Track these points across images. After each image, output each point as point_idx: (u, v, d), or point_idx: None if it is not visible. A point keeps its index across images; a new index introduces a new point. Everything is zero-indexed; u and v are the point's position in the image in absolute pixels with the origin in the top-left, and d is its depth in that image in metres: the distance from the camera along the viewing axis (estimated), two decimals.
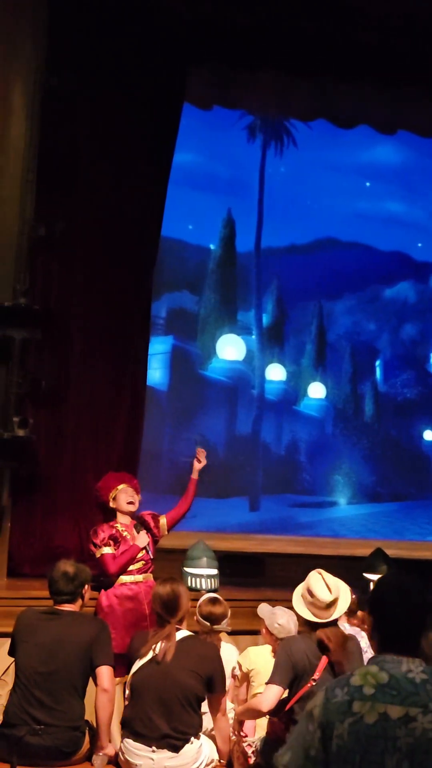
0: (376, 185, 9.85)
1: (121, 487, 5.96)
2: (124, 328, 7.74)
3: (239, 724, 4.56)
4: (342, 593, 4.23)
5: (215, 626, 5.00)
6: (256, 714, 4.27)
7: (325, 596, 4.13)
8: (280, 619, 5.06)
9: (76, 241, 7.45)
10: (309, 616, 4.16)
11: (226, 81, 8.78)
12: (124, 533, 5.85)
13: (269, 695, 4.15)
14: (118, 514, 5.94)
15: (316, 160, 9.54)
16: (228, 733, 4.44)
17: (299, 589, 4.24)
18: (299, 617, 4.24)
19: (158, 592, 4.33)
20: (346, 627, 4.88)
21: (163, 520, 6.06)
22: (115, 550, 5.74)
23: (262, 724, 4.61)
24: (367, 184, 9.92)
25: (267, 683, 4.20)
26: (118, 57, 7.67)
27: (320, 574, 4.24)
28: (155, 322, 8.61)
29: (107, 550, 5.73)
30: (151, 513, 6.11)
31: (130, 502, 5.92)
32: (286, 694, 4.23)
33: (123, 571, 5.69)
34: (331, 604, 4.15)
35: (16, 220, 7.00)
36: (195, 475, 6.30)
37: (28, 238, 7.02)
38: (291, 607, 5.22)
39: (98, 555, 5.72)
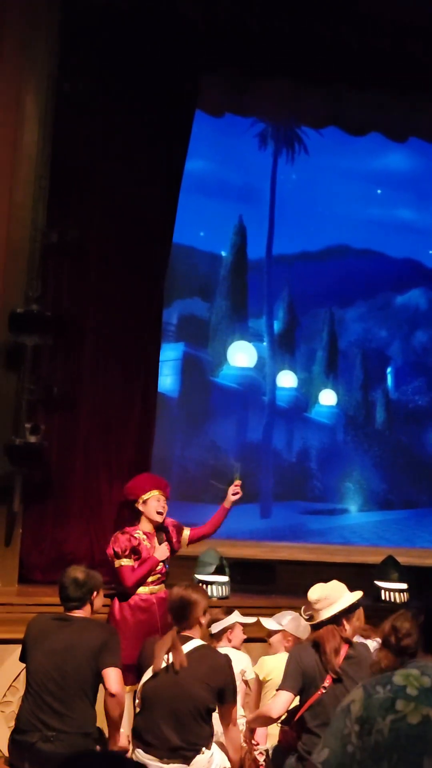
0: (388, 192, 9.83)
1: (155, 493, 5.94)
2: (135, 335, 7.74)
3: (251, 732, 4.55)
4: (339, 597, 4.26)
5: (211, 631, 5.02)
6: (267, 720, 4.28)
7: (311, 595, 4.29)
8: (288, 616, 5.12)
9: (88, 248, 7.46)
10: (304, 616, 4.26)
11: (239, 88, 8.78)
12: (145, 542, 5.83)
13: (279, 701, 4.17)
14: (143, 519, 5.91)
15: (328, 168, 9.54)
16: (239, 742, 4.43)
17: None
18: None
19: (170, 597, 4.32)
20: (357, 638, 4.88)
21: (186, 533, 6.03)
22: (134, 562, 5.71)
23: (274, 732, 4.60)
24: (379, 191, 9.91)
25: (277, 690, 4.22)
26: (130, 63, 7.68)
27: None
28: (166, 328, 8.60)
29: (126, 562, 5.70)
30: (175, 523, 6.08)
31: (160, 512, 5.90)
32: (297, 702, 4.23)
33: (140, 585, 5.68)
34: (316, 604, 4.25)
35: (28, 226, 7.00)
36: (228, 505, 6.23)
37: (41, 245, 7.02)
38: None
39: (117, 566, 5.70)
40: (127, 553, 5.71)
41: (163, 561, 5.82)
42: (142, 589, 5.70)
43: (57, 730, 4.11)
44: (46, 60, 7.14)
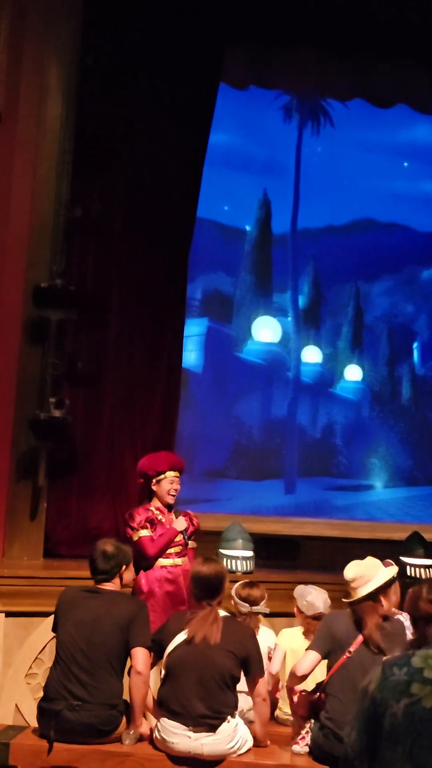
0: (414, 165, 9.72)
1: (170, 474, 5.94)
2: (159, 310, 7.73)
3: (289, 692, 4.58)
4: (375, 574, 4.28)
5: (254, 608, 5.03)
6: (294, 679, 4.34)
7: (347, 574, 4.29)
8: (308, 596, 5.14)
9: (112, 222, 7.44)
10: (345, 597, 4.26)
11: (263, 61, 8.70)
12: (159, 517, 5.84)
13: (306, 660, 4.27)
14: (155, 498, 5.93)
15: (354, 140, 9.44)
16: (267, 717, 4.46)
17: None
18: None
19: (200, 573, 4.33)
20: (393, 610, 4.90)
21: (197, 521, 6.04)
22: (152, 532, 5.74)
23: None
24: (405, 164, 9.80)
25: (306, 649, 4.29)
26: (153, 37, 7.62)
27: (369, 557, 4.37)
28: (190, 303, 8.58)
29: (145, 532, 5.73)
30: (187, 512, 6.08)
31: (172, 494, 5.90)
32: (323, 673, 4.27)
33: (161, 554, 5.70)
34: (353, 583, 4.26)
35: (52, 201, 6.99)
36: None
37: (65, 220, 7.02)
38: (327, 590, 5.29)
39: (136, 538, 5.72)
40: (143, 523, 5.74)
41: (181, 532, 5.83)
42: (166, 561, 5.72)
43: (82, 699, 4.16)
44: (69, 35, 7.10)
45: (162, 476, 5.90)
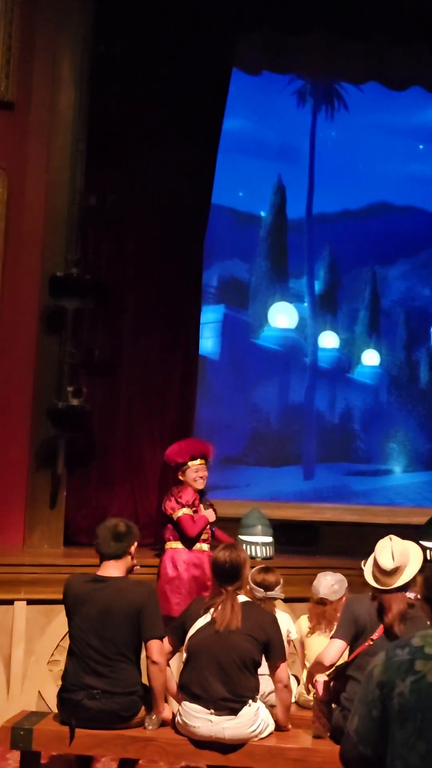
0: (430, 147, 9.64)
1: (195, 462, 5.98)
2: (175, 297, 7.73)
3: (310, 677, 4.56)
4: (411, 560, 4.16)
5: (268, 593, 5.03)
6: (321, 668, 4.29)
7: (387, 563, 4.09)
8: (315, 581, 5.13)
9: (126, 210, 7.44)
10: (372, 582, 4.14)
11: (276, 45, 8.65)
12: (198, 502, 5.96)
13: (332, 649, 4.21)
14: (186, 486, 5.98)
15: (368, 124, 9.37)
16: (289, 703, 4.46)
17: (372, 555, 4.22)
18: (367, 582, 4.23)
19: (218, 559, 4.32)
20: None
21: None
22: (192, 512, 5.84)
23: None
24: (421, 146, 9.72)
25: (331, 638, 4.25)
26: (165, 23, 7.60)
27: (390, 539, 4.19)
28: (206, 290, 8.58)
29: (187, 511, 5.81)
30: (211, 503, 6.14)
31: (200, 482, 5.97)
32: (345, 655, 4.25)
33: (199, 536, 5.78)
34: (393, 572, 4.10)
35: (66, 190, 6.99)
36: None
37: (79, 208, 7.01)
38: (345, 575, 5.28)
39: (177, 515, 5.79)
40: (190, 503, 5.81)
41: (210, 523, 5.93)
42: (196, 546, 5.81)
43: (101, 689, 4.16)
44: (81, 23, 7.08)
45: (185, 466, 5.95)
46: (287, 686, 4.35)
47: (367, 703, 2.24)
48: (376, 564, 4.12)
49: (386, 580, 4.11)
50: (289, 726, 4.35)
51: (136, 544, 4.44)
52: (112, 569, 4.35)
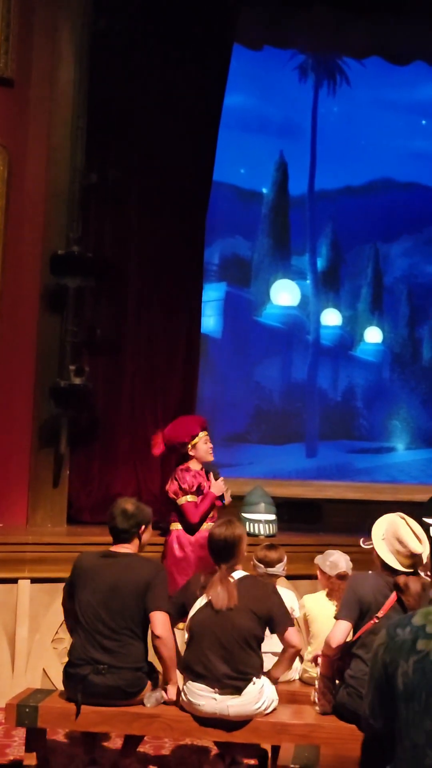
0: None
1: (203, 434, 5.98)
2: (177, 275, 7.70)
3: (315, 659, 4.56)
4: (426, 543, 4.17)
5: (269, 570, 5.03)
6: (330, 650, 4.28)
7: (416, 547, 4.08)
8: (330, 557, 5.12)
9: (127, 188, 7.40)
10: (393, 563, 4.11)
11: (277, 20, 8.58)
12: (204, 483, 5.92)
13: (337, 631, 4.18)
14: (192, 461, 5.96)
15: (371, 99, 9.31)
16: (291, 665, 4.47)
17: (381, 532, 4.18)
18: (379, 560, 4.20)
19: (213, 535, 4.31)
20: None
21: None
22: (197, 498, 5.79)
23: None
24: (423, 122, 9.67)
25: (335, 618, 4.23)
26: None
27: (405, 521, 4.17)
28: (208, 268, 8.55)
29: (191, 498, 5.78)
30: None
31: (211, 452, 5.96)
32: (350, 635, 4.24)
33: (203, 521, 5.75)
34: (420, 556, 4.10)
35: (67, 167, 6.95)
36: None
37: (80, 186, 6.98)
38: (349, 552, 5.27)
39: (181, 502, 5.77)
40: (193, 489, 5.79)
41: (219, 497, 5.89)
42: (204, 525, 5.78)
43: (108, 664, 4.18)
44: None
45: (196, 438, 5.94)
46: (297, 651, 4.34)
47: (375, 680, 2.26)
48: (401, 546, 4.10)
49: (409, 561, 4.11)
50: (278, 678, 4.36)
51: (144, 527, 4.43)
52: (123, 549, 4.39)
